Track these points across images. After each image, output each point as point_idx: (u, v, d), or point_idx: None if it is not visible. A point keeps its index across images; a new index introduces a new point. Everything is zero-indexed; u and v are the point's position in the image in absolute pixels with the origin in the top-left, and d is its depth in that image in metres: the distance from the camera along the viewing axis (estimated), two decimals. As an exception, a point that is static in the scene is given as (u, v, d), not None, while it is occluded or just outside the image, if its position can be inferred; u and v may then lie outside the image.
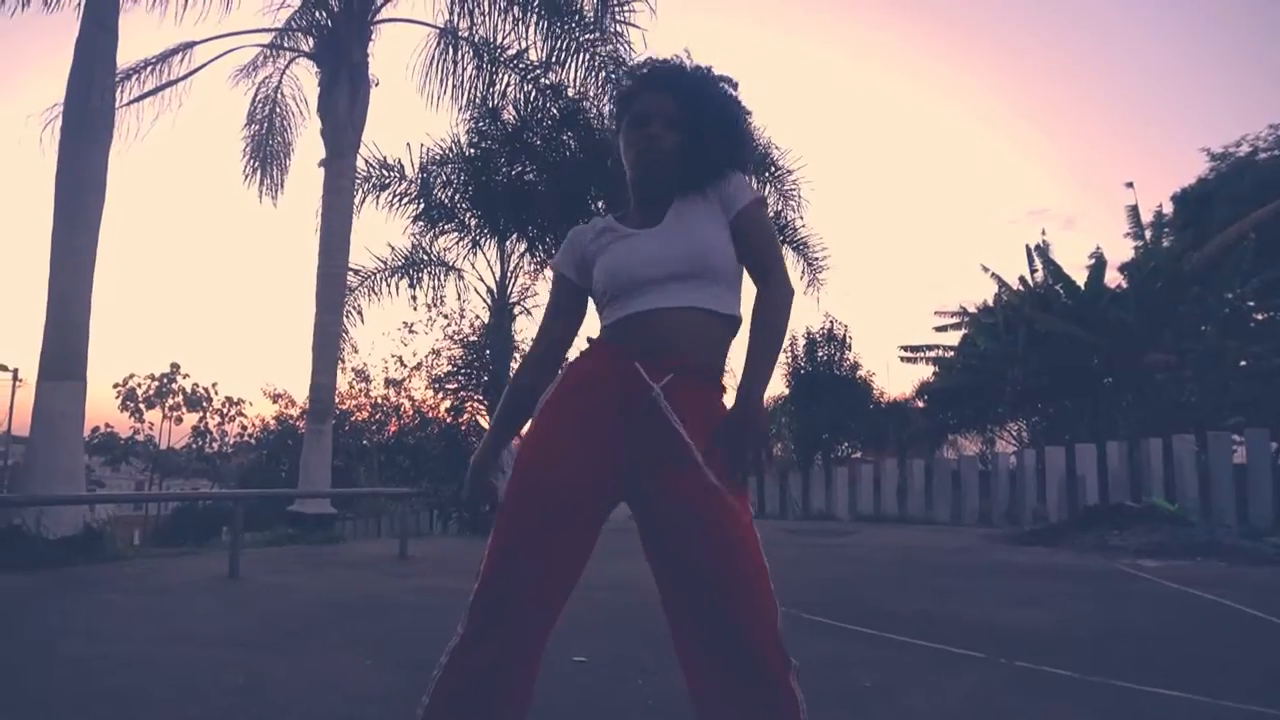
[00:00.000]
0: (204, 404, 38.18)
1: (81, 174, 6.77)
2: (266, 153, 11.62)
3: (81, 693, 2.70)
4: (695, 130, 1.48)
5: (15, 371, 28.02)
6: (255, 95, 11.55)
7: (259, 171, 11.68)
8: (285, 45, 11.01)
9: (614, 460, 1.36)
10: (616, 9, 9.45)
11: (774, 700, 1.28)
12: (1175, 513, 7.74)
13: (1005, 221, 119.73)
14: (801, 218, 12.13)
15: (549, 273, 14.00)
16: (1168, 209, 17.78)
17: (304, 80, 11.52)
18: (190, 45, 10.17)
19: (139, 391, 36.50)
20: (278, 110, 11.52)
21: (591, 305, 1.58)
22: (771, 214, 11.96)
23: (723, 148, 1.49)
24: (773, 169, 11.73)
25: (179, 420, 38.18)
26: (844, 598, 4.88)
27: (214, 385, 39.16)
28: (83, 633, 3.71)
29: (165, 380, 37.43)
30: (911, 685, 2.88)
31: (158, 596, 4.83)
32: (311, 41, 10.32)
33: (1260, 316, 14.89)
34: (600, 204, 12.93)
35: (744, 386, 1.37)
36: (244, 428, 37.64)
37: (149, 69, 10.08)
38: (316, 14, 10.15)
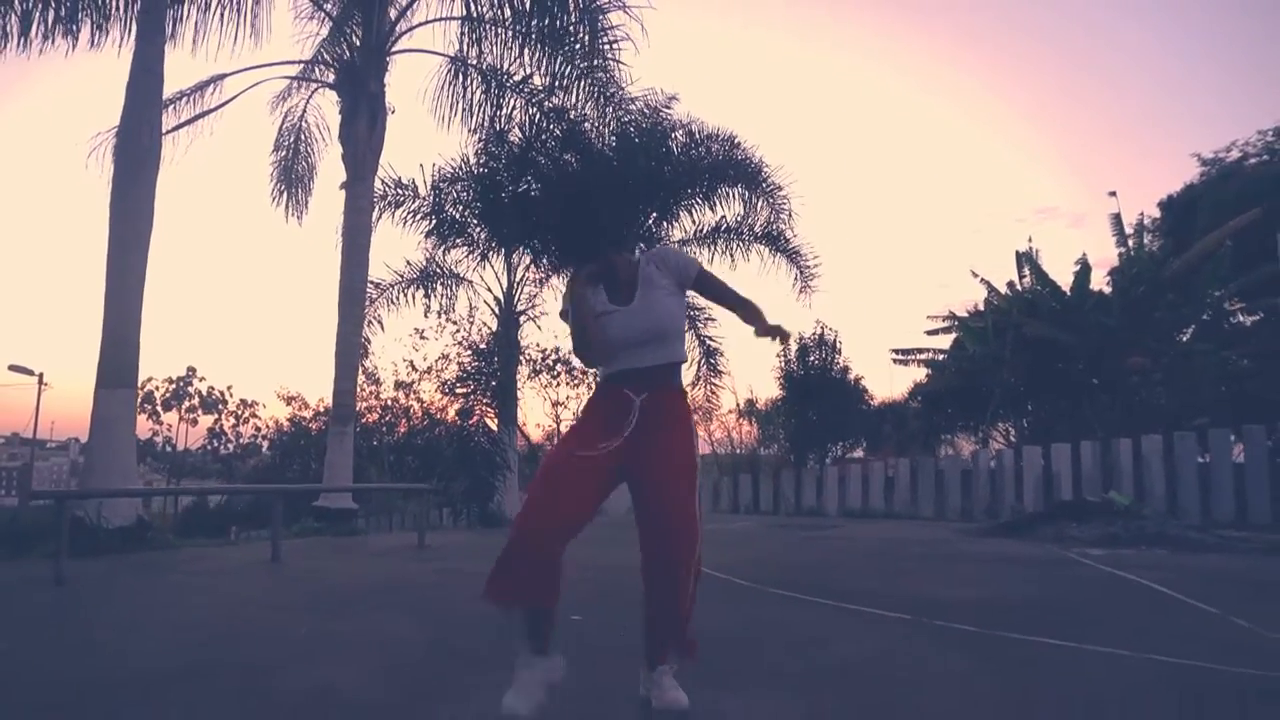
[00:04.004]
0: (219, 406, 39.03)
1: (133, 204, 7.52)
2: (293, 176, 12.44)
3: (184, 639, 3.44)
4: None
5: (40, 375, 28.88)
6: (282, 123, 12.41)
7: (285, 194, 12.51)
8: (309, 77, 11.82)
9: (621, 441, 2.25)
10: (604, 41, 10.17)
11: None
12: (1129, 506, 8.39)
13: (1013, 220, 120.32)
14: (793, 230, 12.82)
15: (555, 281, 14.57)
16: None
17: (326, 109, 12.35)
18: (221, 77, 10.96)
19: (157, 394, 37.37)
20: (302, 137, 12.34)
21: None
22: (762, 225, 12.77)
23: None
24: (764, 184, 12.43)
25: (194, 422, 39.05)
26: (809, 578, 5.56)
27: (229, 388, 40.03)
28: (164, 603, 4.46)
29: (182, 383, 38.32)
30: (843, 638, 3.57)
31: (215, 577, 5.58)
32: (333, 73, 11.11)
33: (1247, 320, 15.39)
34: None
35: (747, 309, 2.42)
36: (258, 429, 38.55)
37: (184, 99, 10.88)
38: (338, 47, 10.92)
